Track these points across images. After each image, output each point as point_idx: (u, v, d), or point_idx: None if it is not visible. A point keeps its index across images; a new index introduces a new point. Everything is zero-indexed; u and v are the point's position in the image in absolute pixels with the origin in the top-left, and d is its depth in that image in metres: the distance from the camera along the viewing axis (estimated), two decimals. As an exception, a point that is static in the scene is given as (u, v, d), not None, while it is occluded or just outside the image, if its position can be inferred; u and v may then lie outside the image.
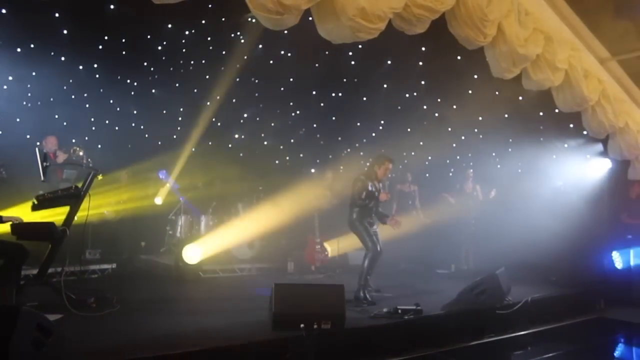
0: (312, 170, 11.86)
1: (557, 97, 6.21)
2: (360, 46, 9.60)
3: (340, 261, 9.28)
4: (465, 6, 4.68)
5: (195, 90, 11.06)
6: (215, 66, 10.76)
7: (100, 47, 9.60)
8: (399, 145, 10.94)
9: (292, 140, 12.49)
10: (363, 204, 6.14)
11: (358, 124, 11.86)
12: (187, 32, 10.04)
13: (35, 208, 5.09)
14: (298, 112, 12.12)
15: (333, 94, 11.72)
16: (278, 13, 3.85)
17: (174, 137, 11.48)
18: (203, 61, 10.67)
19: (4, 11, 8.09)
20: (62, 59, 9.41)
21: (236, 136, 12.40)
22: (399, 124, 11.27)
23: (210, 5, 8.83)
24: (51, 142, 7.25)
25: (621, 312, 7.00)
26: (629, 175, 7.65)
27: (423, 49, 9.68)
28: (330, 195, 9.56)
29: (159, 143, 11.20)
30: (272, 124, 12.26)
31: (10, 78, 8.96)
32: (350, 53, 10.34)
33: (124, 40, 9.66)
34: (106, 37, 9.45)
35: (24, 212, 5.35)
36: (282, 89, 11.44)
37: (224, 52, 10.60)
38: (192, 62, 10.68)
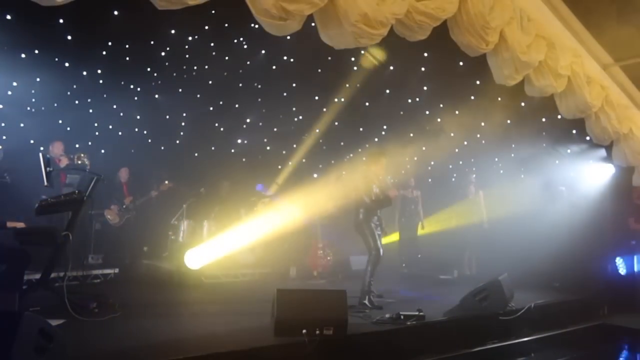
0: (315, 175, 11.86)
1: (560, 103, 6.20)
2: (362, 52, 9.63)
3: (343, 266, 9.27)
4: (467, 13, 4.68)
5: (198, 96, 11.09)
6: (218, 72, 10.80)
7: (104, 52, 9.64)
8: (401, 151, 10.94)
9: (294, 146, 12.50)
10: (373, 205, 6.15)
11: (360, 129, 11.87)
12: (190, 38, 10.08)
13: (38, 213, 5.10)
14: (301, 117, 12.14)
15: (335, 99, 11.73)
16: (281, 19, 3.86)
17: (177, 142, 11.52)
18: (206, 67, 10.70)
19: (8, 17, 8.14)
20: (66, 64, 9.44)
21: (239, 141, 12.42)
22: (401, 129, 11.27)
23: (213, 11, 8.86)
24: (57, 147, 7.30)
25: (625, 319, 6.97)
26: (633, 182, 7.62)
27: (425, 54, 9.70)
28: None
29: (162, 148, 11.23)
30: (275, 129, 12.29)
31: (15, 83, 9.00)
32: (353, 58, 10.36)
33: (127, 46, 9.70)
34: (110, 43, 9.49)
35: (28, 217, 5.37)
36: (284, 94, 11.46)
37: (227, 58, 10.64)
38: (195, 67, 10.72)
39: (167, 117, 11.18)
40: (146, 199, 9.36)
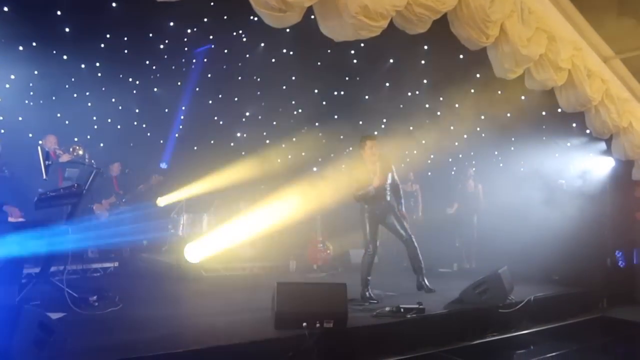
0: (314, 169, 11.85)
1: (560, 97, 6.17)
2: (362, 44, 9.60)
3: (342, 260, 9.27)
4: (467, 7, 4.65)
5: (197, 89, 11.06)
6: (217, 64, 10.77)
7: (102, 45, 9.61)
8: (401, 144, 10.92)
9: (294, 139, 12.47)
10: (356, 195, 6.03)
11: (360, 122, 11.84)
12: (189, 31, 10.04)
13: (37, 206, 5.09)
14: (300, 110, 12.12)
15: (335, 93, 11.71)
16: (281, 10, 3.84)
17: (176, 135, 11.50)
18: (205, 59, 10.67)
19: (5, 9, 8.10)
20: (65, 57, 9.41)
21: (238, 134, 12.41)
22: (401, 122, 11.24)
23: (212, 3, 8.82)
24: (50, 140, 7.22)
25: (624, 311, 6.98)
26: (633, 176, 7.61)
27: (425, 47, 9.67)
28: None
29: (161, 141, 11.22)
30: (274, 123, 12.26)
31: (13, 77, 8.97)
32: (353, 51, 10.32)
33: (125, 39, 9.67)
34: (108, 36, 9.46)
35: (27, 211, 5.36)
36: (284, 87, 11.43)
37: (226, 51, 10.61)
38: (194, 60, 10.70)
39: (166, 110, 11.16)
40: (136, 194, 9.24)
